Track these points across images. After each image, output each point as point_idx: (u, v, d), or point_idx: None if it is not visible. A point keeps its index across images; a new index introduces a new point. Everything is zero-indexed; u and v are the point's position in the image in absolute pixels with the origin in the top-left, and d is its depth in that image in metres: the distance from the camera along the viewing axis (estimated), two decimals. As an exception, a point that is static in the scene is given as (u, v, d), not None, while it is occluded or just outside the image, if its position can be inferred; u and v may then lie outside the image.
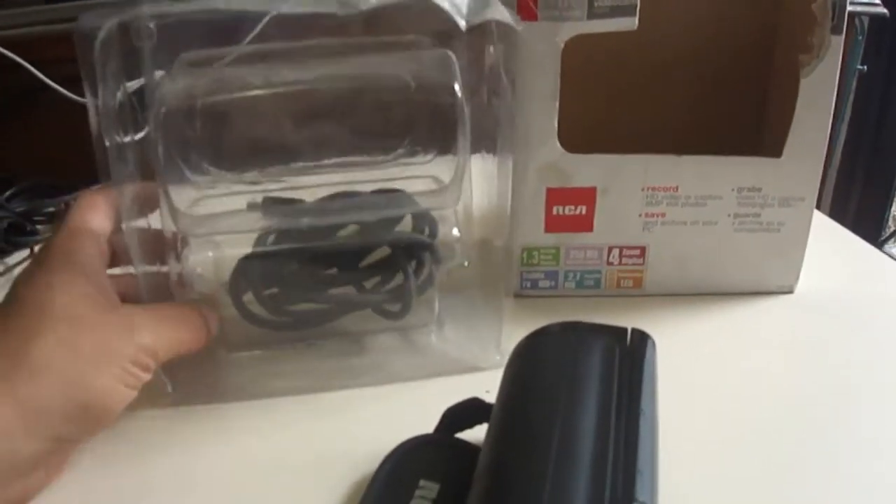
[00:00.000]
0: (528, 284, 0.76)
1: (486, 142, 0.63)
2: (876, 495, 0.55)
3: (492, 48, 0.60)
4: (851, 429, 0.62)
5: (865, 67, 1.80)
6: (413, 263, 0.64)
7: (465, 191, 0.64)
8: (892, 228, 2.05)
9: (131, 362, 0.51)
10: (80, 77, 0.94)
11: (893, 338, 0.73)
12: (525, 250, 0.74)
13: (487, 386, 0.54)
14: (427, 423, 0.56)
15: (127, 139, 0.56)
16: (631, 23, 0.68)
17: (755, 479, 0.56)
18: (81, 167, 0.94)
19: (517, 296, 0.77)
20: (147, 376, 0.53)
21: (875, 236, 1.94)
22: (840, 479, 0.56)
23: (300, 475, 0.57)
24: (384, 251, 0.65)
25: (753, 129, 0.81)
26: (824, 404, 0.64)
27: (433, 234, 0.65)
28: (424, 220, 0.65)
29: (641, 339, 0.52)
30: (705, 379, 0.67)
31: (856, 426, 0.62)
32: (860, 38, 1.76)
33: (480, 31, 0.59)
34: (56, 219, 0.94)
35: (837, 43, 0.69)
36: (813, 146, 0.72)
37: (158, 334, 0.53)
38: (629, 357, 0.50)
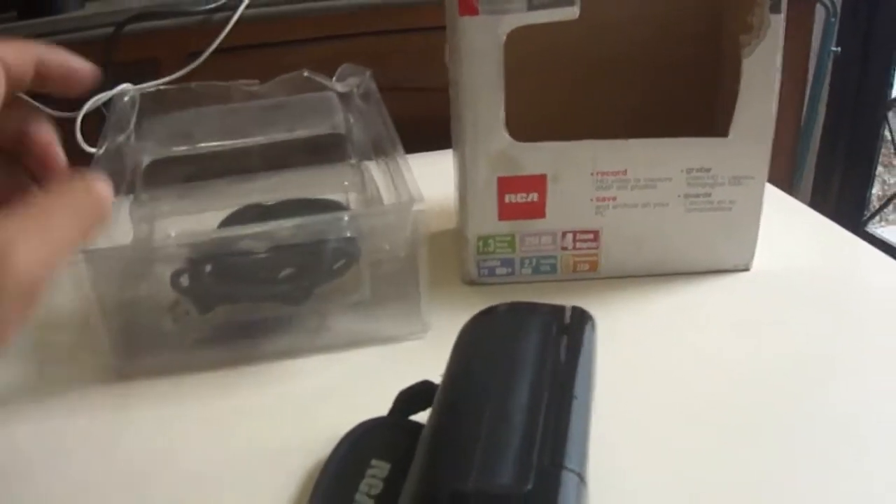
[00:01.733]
0: (486, 272, 0.77)
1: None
2: (830, 468, 0.57)
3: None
4: (805, 402, 0.63)
5: (840, 49, 1.81)
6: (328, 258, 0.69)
7: (405, 188, 0.66)
8: (875, 207, 2.06)
9: None
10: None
11: (849, 312, 0.75)
12: (480, 239, 0.76)
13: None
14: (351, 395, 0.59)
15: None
16: (572, 12, 0.69)
17: (711, 453, 0.58)
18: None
19: (475, 283, 0.78)
20: None
21: (858, 216, 1.95)
22: (794, 453, 0.58)
23: (256, 458, 0.59)
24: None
25: (706, 111, 0.82)
26: (778, 378, 0.66)
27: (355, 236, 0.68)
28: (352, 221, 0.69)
29: (581, 316, 0.54)
30: (661, 356, 0.69)
31: (809, 399, 0.64)
32: (833, 20, 1.77)
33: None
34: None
35: (777, 22, 0.71)
36: (759, 124, 0.73)
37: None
38: (566, 333, 0.52)
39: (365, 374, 0.68)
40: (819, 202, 1.97)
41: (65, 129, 0.97)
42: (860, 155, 1.93)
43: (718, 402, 0.63)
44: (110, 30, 1.00)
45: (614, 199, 0.74)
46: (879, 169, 2.23)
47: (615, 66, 0.83)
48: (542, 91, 0.80)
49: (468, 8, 0.68)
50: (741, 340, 0.70)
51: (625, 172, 0.74)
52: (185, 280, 0.70)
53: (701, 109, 0.81)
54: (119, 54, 1.02)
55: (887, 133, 1.96)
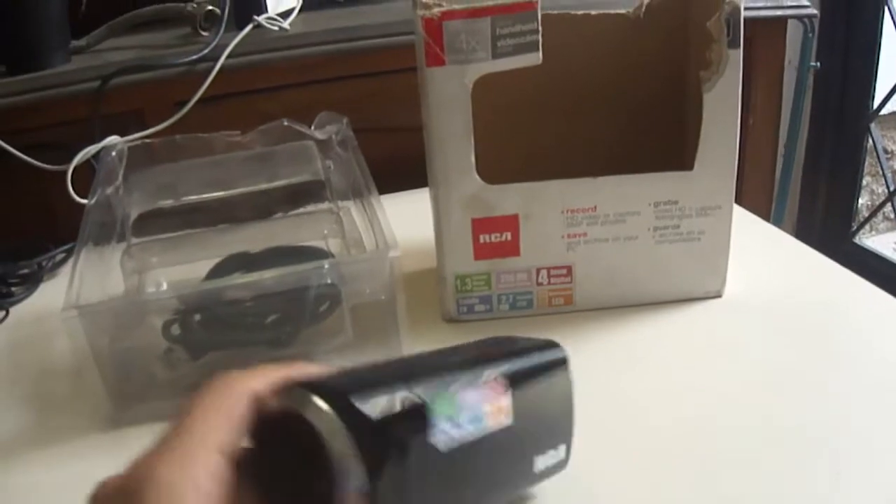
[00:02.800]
0: (465, 310, 0.80)
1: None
2: (806, 490, 0.59)
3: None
4: (779, 424, 0.65)
5: (819, 64, 1.84)
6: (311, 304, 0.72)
7: (382, 235, 0.69)
8: (865, 217, 2.08)
9: None
10: (41, 145, 1.00)
11: (822, 335, 0.77)
12: (458, 278, 0.78)
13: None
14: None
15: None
16: (535, 58, 0.72)
17: (688, 478, 0.60)
18: (43, 230, 0.99)
19: (455, 321, 0.81)
20: None
21: (846, 228, 1.98)
22: (767, 472, 0.60)
23: None
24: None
25: (675, 147, 0.85)
26: (751, 401, 0.68)
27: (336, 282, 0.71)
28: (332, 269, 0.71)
29: (551, 346, 0.57)
30: (637, 385, 0.71)
31: (780, 420, 0.66)
32: (811, 35, 1.80)
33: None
34: (30, 280, 0.98)
35: (735, 57, 0.73)
36: (722, 156, 0.76)
37: None
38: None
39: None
40: (806, 216, 1.99)
41: (56, 181, 1.00)
42: (845, 167, 1.95)
43: (695, 428, 0.65)
44: (96, 83, 1.03)
45: (585, 234, 0.77)
46: (867, 179, 2.25)
47: (584, 107, 0.86)
48: (513, 133, 0.83)
49: (435, 59, 0.71)
50: (714, 366, 0.73)
51: (594, 209, 0.76)
52: (175, 329, 0.73)
53: (669, 145, 0.84)
54: (106, 106, 1.04)
55: (871, 143, 1.98)
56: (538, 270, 0.78)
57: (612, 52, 0.84)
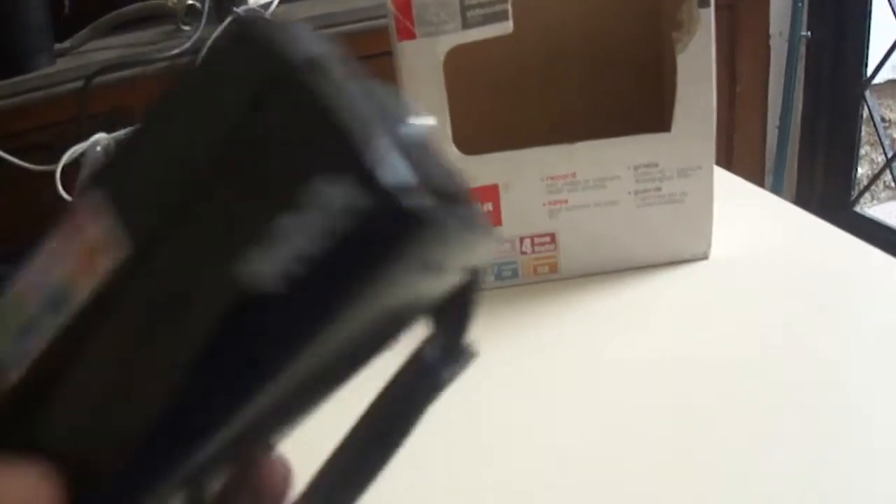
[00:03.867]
0: (450, 283, 0.80)
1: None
2: (799, 447, 0.59)
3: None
4: (770, 382, 0.65)
5: (810, 33, 1.84)
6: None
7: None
8: (864, 185, 2.08)
9: None
10: (30, 147, 1.00)
11: (805, 293, 0.77)
12: (441, 251, 0.78)
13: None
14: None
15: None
16: (506, 27, 0.72)
17: (677, 441, 0.60)
18: (36, 232, 0.99)
19: (440, 295, 0.81)
20: None
21: (845, 197, 1.97)
22: (760, 432, 0.60)
23: None
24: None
25: (654, 110, 0.85)
26: (741, 361, 0.68)
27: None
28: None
29: None
30: (627, 349, 0.71)
31: (769, 378, 0.66)
32: (801, 4, 1.80)
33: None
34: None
35: (707, 16, 0.73)
36: (700, 116, 0.76)
37: None
38: None
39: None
40: (805, 186, 1.99)
41: (45, 181, 1.00)
42: (841, 136, 1.95)
43: (686, 391, 0.65)
44: (81, 83, 1.04)
45: (566, 201, 0.77)
46: (866, 148, 2.24)
47: (560, 73, 0.86)
48: (490, 103, 0.83)
49: (406, 33, 0.71)
50: (702, 327, 0.73)
51: (574, 175, 0.76)
52: None
53: (647, 108, 0.84)
54: (92, 106, 1.05)
55: (868, 112, 1.98)
56: (521, 239, 0.78)
57: (586, 17, 0.84)
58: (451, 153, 0.74)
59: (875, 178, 2.02)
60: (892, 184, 2.19)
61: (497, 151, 0.75)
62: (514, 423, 0.64)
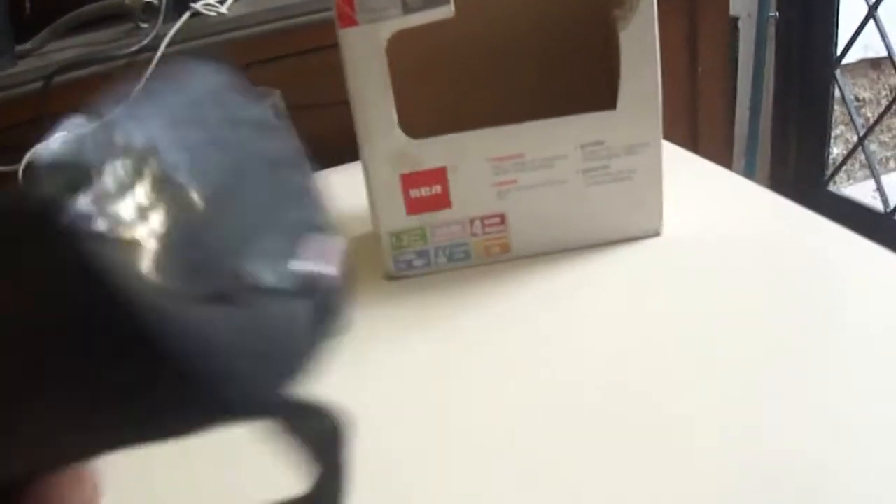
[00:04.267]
0: (403, 266, 0.81)
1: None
2: (746, 422, 0.60)
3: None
4: (717, 358, 0.66)
5: (778, 14, 1.85)
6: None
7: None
8: (836, 164, 2.08)
9: None
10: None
11: (757, 269, 0.77)
12: (393, 235, 0.79)
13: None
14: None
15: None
16: (447, 11, 0.73)
17: (634, 419, 0.61)
18: None
19: (395, 278, 0.82)
20: None
21: (819, 177, 1.98)
22: (708, 405, 0.61)
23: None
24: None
25: (601, 88, 0.85)
26: (690, 333, 0.69)
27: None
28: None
29: None
30: (580, 326, 0.72)
31: (720, 349, 0.67)
32: (768, -14, 1.81)
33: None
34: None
35: (648, -6, 0.74)
36: (645, 93, 0.77)
37: None
38: None
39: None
40: (779, 167, 2.00)
41: (7, 181, 1.01)
42: (814, 117, 1.96)
43: (637, 366, 0.66)
44: (41, 83, 1.04)
45: (515, 181, 0.78)
46: (841, 128, 2.25)
47: (506, 53, 0.86)
48: (438, 86, 0.84)
49: (347, 20, 0.72)
50: (654, 302, 0.73)
51: (521, 155, 0.77)
52: None
53: (594, 87, 0.84)
54: (54, 105, 1.06)
55: (839, 92, 1.98)
56: (472, 221, 0.79)
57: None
58: (399, 138, 0.75)
59: (847, 158, 2.03)
60: (868, 162, 2.20)
61: (445, 133, 0.75)
62: (473, 400, 0.65)
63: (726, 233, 0.82)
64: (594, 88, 0.83)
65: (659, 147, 0.79)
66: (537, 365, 0.67)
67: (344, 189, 0.72)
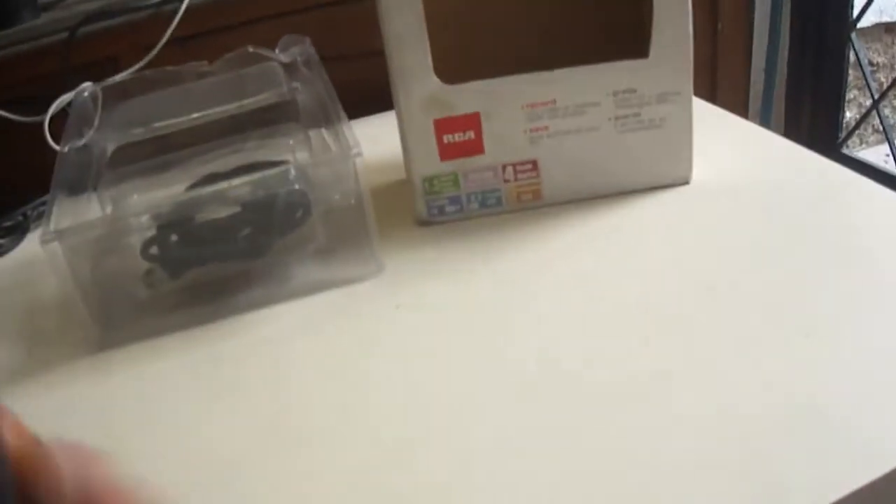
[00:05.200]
0: (436, 211, 0.81)
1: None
2: (782, 366, 0.60)
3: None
4: (754, 299, 0.67)
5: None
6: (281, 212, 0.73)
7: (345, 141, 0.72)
8: (850, 128, 2.08)
9: None
10: (17, 100, 1.01)
11: (783, 216, 0.78)
12: (426, 180, 0.80)
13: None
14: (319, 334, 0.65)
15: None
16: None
17: (666, 362, 0.62)
18: (28, 184, 1.01)
19: (427, 223, 0.82)
20: None
21: (832, 140, 1.98)
22: (738, 346, 0.62)
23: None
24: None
25: (633, 36, 0.85)
26: (726, 281, 0.69)
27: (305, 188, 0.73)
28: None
29: None
30: (612, 272, 0.73)
31: (752, 297, 0.67)
32: (784, -53, 1.79)
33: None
34: (16, 231, 0.99)
35: (682, -59, 0.74)
36: (677, 41, 0.77)
37: None
38: None
39: (329, 315, 0.72)
40: (792, 129, 1.99)
41: (35, 133, 1.01)
42: (828, 79, 1.95)
43: (670, 312, 0.67)
44: (66, 34, 1.04)
45: (547, 128, 0.78)
46: (854, 92, 2.25)
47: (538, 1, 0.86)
48: (471, 32, 0.84)
49: (383, -39, 0.72)
50: (687, 249, 0.74)
51: (553, 102, 0.77)
52: (154, 249, 0.74)
53: (627, 34, 0.84)
54: (78, 57, 1.06)
55: (854, 56, 1.97)
56: (504, 167, 0.80)
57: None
58: (433, 83, 0.75)
59: (861, 121, 2.03)
60: (881, 127, 2.20)
61: (478, 78, 0.76)
62: (503, 345, 0.66)
63: (753, 182, 0.83)
64: (624, 37, 0.83)
65: (690, 96, 0.79)
66: (568, 310, 0.68)
67: (374, 138, 0.73)
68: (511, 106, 0.77)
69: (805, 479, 0.50)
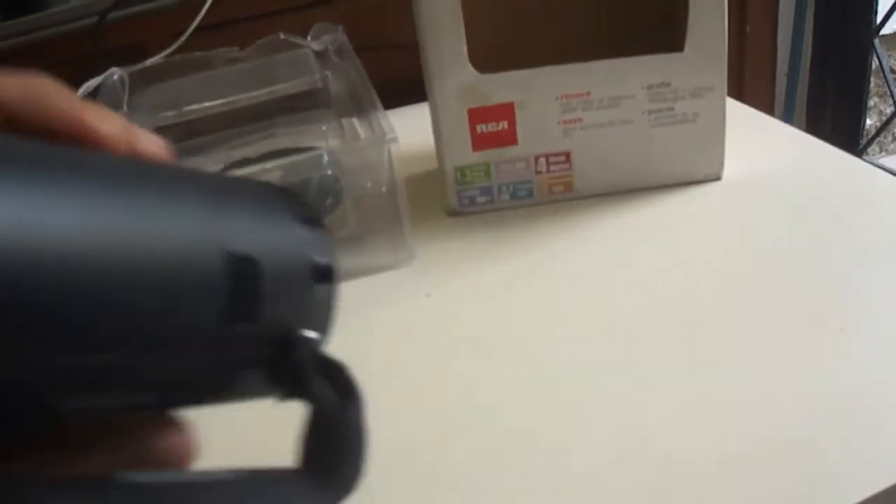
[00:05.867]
0: (466, 202, 0.81)
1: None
2: (807, 354, 0.61)
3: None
4: (783, 293, 0.66)
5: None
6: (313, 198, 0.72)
7: (379, 127, 0.72)
8: (870, 136, 2.07)
9: None
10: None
11: (814, 213, 0.78)
12: (457, 170, 0.80)
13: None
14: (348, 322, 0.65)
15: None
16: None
17: (694, 351, 0.62)
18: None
19: (457, 214, 0.82)
20: None
21: (853, 147, 1.97)
22: (765, 338, 0.62)
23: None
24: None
25: (667, 30, 0.85)
26: (751, 275, 0.69)
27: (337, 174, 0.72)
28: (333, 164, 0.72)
29: None
30: (643, 265, 0.72)
31: (785, 292, 0.67)
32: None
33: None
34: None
35: (720, -65, 0.74)
36: (712, 36, 0.77)
37: None
38: None
39: (359, 302, 0.71)
40: (814, 134, 1.98)
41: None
42: (850, 85, 1.94)
43: (699, 303, 0.67)
44: (95, 19, 1.04)
45: (581, 120, 0.78)
46: (875, 100, 2.24)
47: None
48: (506, 22, 0.84)
49: (422, -53, 0.72)
50: (718, 244, 0.74)
51: (588, 94, 0.77)
52: None
53: (661, 28, 0.84)
54: (106, 42, 1.06)
55: (876, 63, 1.97)
56: (536, 158, 0.79)
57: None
58: (468, 72, 0.75)
59: (883, 128, 2.02)
60: (901, 134, 2.19)
61: (512, 69, 0.75)
62: (533, 337, 0.65)
63: (784, 179, 0.82)
64: (660, 28, 0.83)
65: (723, 92, 0.79)
66: (598, 303, 0.68)
67: (406, 129, 0.73)
68: (546, 97, 0.76)
69: (838, 474, 0.49)
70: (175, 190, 0.26)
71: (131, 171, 0.25)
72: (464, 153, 0.78)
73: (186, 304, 0.24)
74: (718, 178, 0.82)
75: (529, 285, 0.70)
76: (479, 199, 0.80)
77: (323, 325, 0.32)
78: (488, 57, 0.76)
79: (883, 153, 2.34)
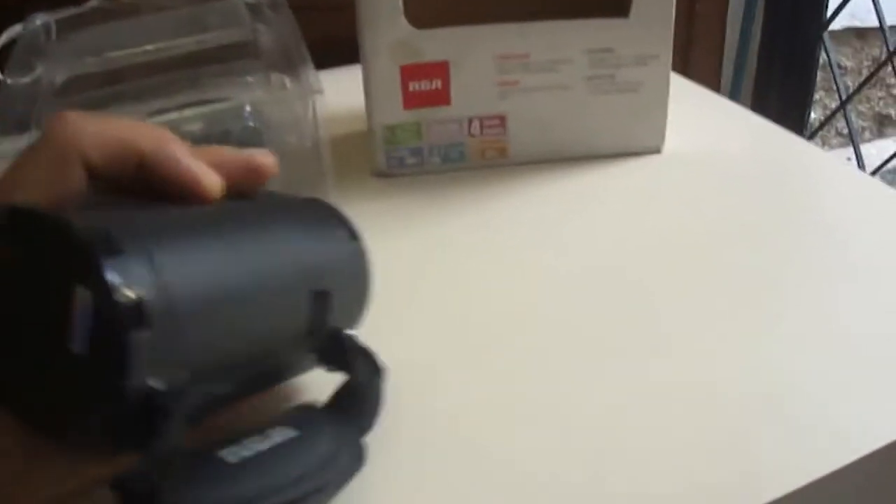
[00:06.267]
0: (395, 162, 0.78)
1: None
2: (740, 335, 0.58)
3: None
4: (716, 272, 0.64)
5: (770, -31, 1.82)
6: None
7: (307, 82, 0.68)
8: (814, 129, 2.08)
9: None
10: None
11: (755, 191, 0.76)
12: (387, 129, 0.76)
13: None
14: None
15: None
16: None
17: (629, 326, 0.59)
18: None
19: (385, 175, 0.79)
20: None
21: (798, 131, 1.97)
22: (709, 321, 0.59)
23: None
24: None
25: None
26: (686, 252, 0.67)
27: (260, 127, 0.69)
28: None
29: None
30: (574, 236, 0.70)
31: (721, 270, 0.65)
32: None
33: None
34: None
35: None
36: (659, 4, 0.74)
37: None
38: None
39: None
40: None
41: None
42: (797, 77, 1.94)
43: (634, 275, 0.65)
44: (21, -37, 0.99)
45: (517, 82, 0.75)
46: (820, 94, 2.25)
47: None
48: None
49: None
50: (652, 218, 0.71)
51: (527, 55, 0.74)
52: None
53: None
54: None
55: (823, 57, 1.97)
56: (470, 120, 0.76)
57: None
58: (403, 27, 0.72)
59: (827, 121, 2.02)
60: (845, 130, 2.20)
61: (448, 25, 0.72)
62: (457, 303, 0.63)
63: (725, 155, 0.81)
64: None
65: (668, 61, 0.76)
66: (529, 272, 0.65)
67: (338, 89, 0.69)
68: (482, 56, 0.74)
69: (777, 463, 0.47)
70: (273, 240, 0.42)
71: (243, 227, 0.41)
72: (394, 112, 0.75)
73: (287, 323, 0.40)
74: (658, 151, 0.80)
75: (456, 252, 0.68)
76: (409, 161, 0.77)
77: (360, 318, 0.47)
78: (425, 12, 0.73)
79: (826, 147, 2.35)
